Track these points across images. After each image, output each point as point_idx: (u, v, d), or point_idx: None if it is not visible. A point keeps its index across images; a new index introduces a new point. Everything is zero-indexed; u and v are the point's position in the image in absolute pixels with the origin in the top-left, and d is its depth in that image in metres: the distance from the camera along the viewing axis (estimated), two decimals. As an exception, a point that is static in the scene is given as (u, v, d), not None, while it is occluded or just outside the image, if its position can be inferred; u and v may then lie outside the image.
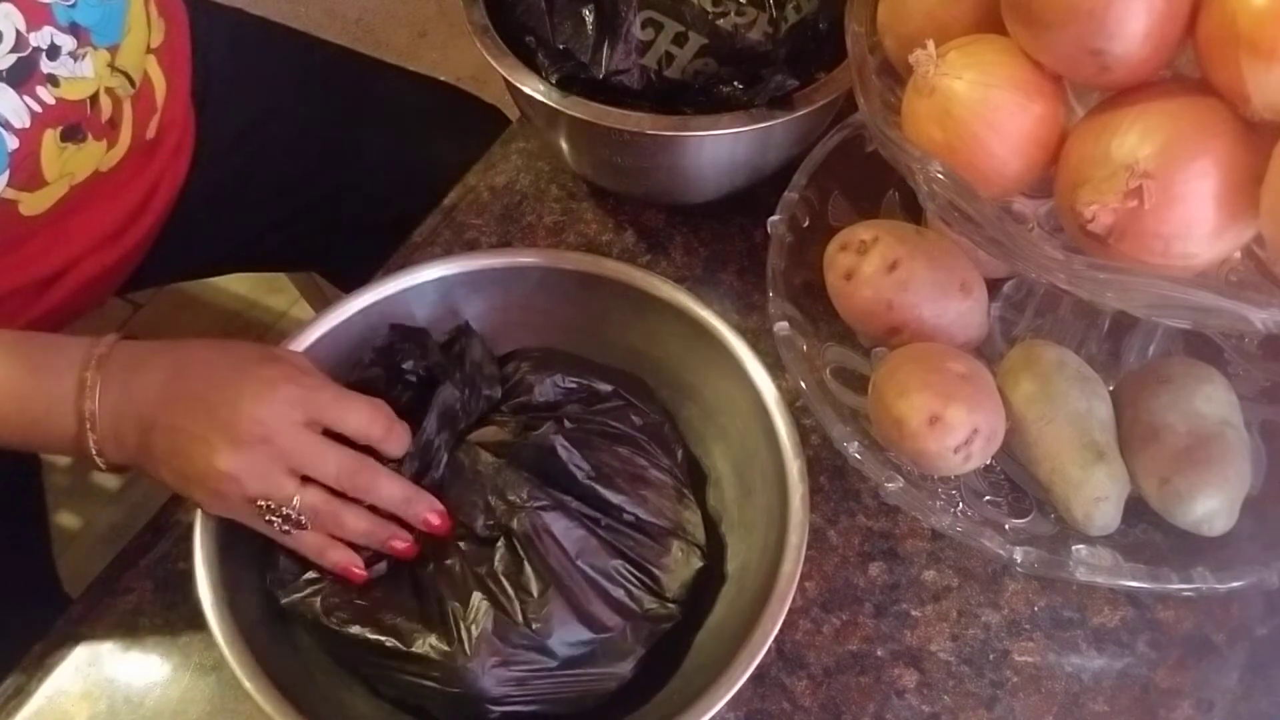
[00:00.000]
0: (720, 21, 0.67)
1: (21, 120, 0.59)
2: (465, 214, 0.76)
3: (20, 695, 0.58)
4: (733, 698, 0.49)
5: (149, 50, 0.70)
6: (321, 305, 0.83)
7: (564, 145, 0.73)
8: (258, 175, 0.84)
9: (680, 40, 0.67)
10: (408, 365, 0.56)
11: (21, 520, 0.82)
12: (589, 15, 0.66)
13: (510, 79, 0.67)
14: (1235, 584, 0.54)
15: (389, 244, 0.74)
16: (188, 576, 0.61)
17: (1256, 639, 0.60)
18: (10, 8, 0.57)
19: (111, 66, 0.65)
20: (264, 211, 0.86)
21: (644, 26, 0.67)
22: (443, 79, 0.96)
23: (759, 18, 0.68)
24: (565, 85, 0.66)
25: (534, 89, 0.66)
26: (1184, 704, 0.58)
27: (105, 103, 0.65)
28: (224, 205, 0.82)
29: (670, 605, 0.54)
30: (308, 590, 0.52)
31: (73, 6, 0.61)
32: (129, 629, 0.60)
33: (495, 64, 0.67)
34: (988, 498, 0.61)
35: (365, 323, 0.59)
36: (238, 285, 1.54)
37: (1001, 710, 0.58)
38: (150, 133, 0.72)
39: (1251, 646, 0.59)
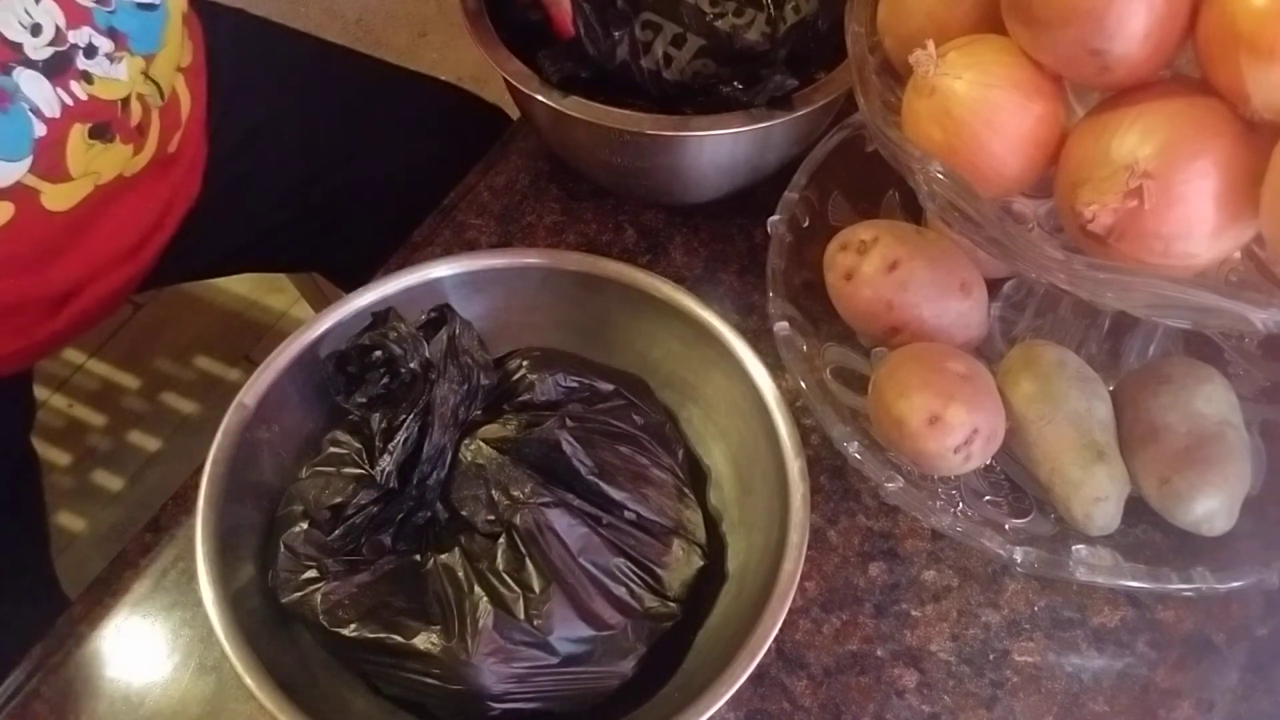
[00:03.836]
0: (718, 23, 0.67)
1: (52, 110, 0.60)
2: (465, 214, 0.76)
3: (20, 695, 0.58)
4: (733, 697, 0.49)
5: (179, 69, 0.72)
6: (321, 305, 0.83)
7: (564, 145, 0.73)
8: (262, 178, 0.84)
9: (679, 42, 0.67)
10: (379, 355, 0.55)
11: (20, 521, 0.82)
12: (589, 15, 0.66)
13: (510, 79, 0.67)
14: (1235, 584, 0.54)
15: (389, 244, 0.74)
16: (188, 576, 0.61)
17: (1256, 639, 0.60)
18: (51, 4, 0.59)
19: (145, 74, 0.67)
20: (267, 214, 0.87)
21: (643, 28, 0.67)
22: (443, 79, 0.96)
23: (757, 18, 0.68)
24: (565, 85, 0.66)
25: (534, 89, 0.66)
26: (1184, 704, 0.58)
27: (136, 108, 0.67)
28: (229, 209, 0.82)
29: (671, 604, 0.54)
30: (308, 589, 0.52)
31: (112, 12, 0.63)
32: (129, 629, 0.60)
33: (495, 64, 0.68)
34: (988, 498, 0.61)
35: (365, 323, 0.59)
36: (238, 285, 1.54)
37: (1001, 710, 0.58)
38: (172, 146, 0.74)
39: (1251, 646, 0.59)
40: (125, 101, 0.65)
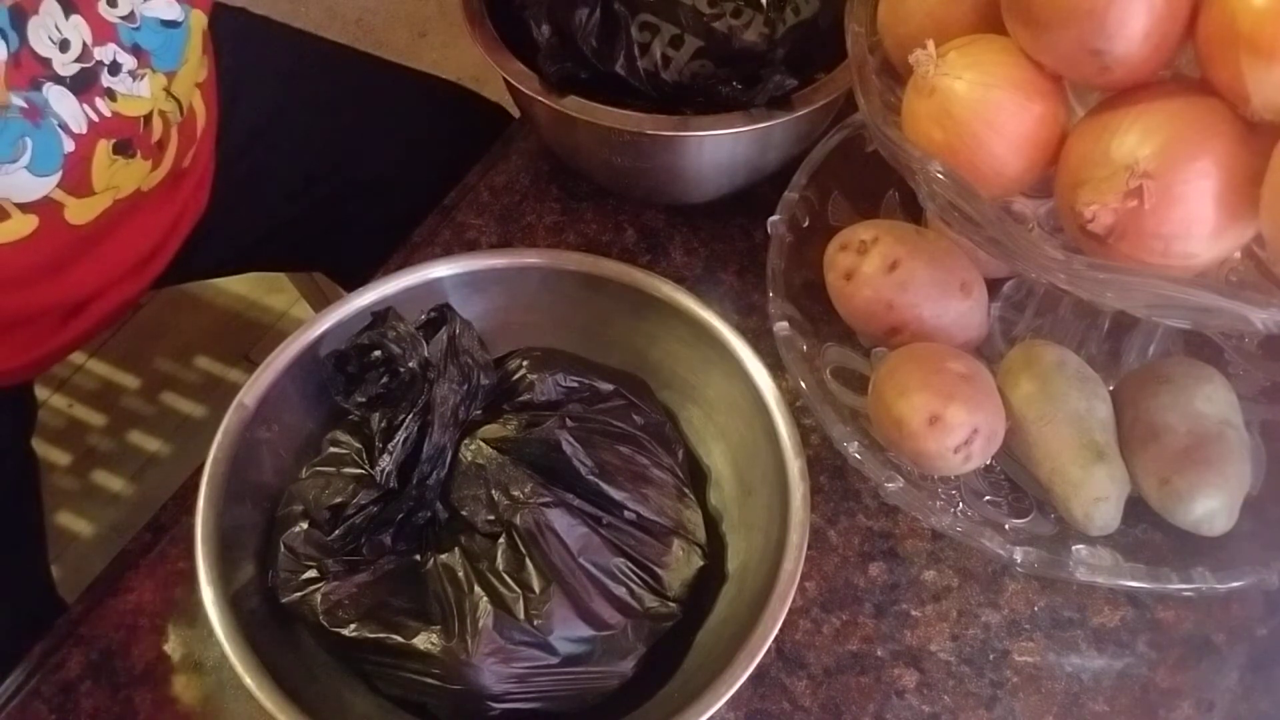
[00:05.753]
0: (715, 24, 0.67)
1: (79, 126, 0.62)
2: (465, 214, 0.76)
3: (20, 695, 0.58)
4: (733, 697, 0.49)
5: (196, 84, 0.73)
6: (321, 305, 0.83)
7: (564, 145, 0.73)
8: (264, 179, 0.84)
9: (676, 43, 0.67)
10: (379, 355, 0.55)
11: (19, 524, 0.82)
12: (588, 17, 0.66)
13: (510, 79, 0.67)
14: (1235, 584, 0.54)
15: (389, 244, 0.74)
16: (188, 576, 0.61)
17: (1256, 639, 0.60)
18: (79, 20, 0.60)
19: (167, 91, 0.68)
20: (269, 216, 0.87)
21: (640, 29, 0.67)
22: (444, 77, 0.96)
23: (754, 19, 0.68)
24: (565, 85, 0.66)
25: (534, 89, 0.66)
26: (1184, 704, 0.58)
27: (157, 124, 0.68)
28: (233, 213, 0.83)
29: (671, 604, 0.54)
30: (308, 589, 0.52)
31: (136, 29, 0.64)
32: (129, 629, 0.60)
33: (495, 64, 0.68)
34: (988, 498, 0.61)
35: (365, 323, 0.59)
36: (238, 285, 1.54)
37: (1001, 710, 0.58)
38: (186, 161, 0.75)
39: (1251, 646, 0.59)
40: (147, 118, 0.66)
